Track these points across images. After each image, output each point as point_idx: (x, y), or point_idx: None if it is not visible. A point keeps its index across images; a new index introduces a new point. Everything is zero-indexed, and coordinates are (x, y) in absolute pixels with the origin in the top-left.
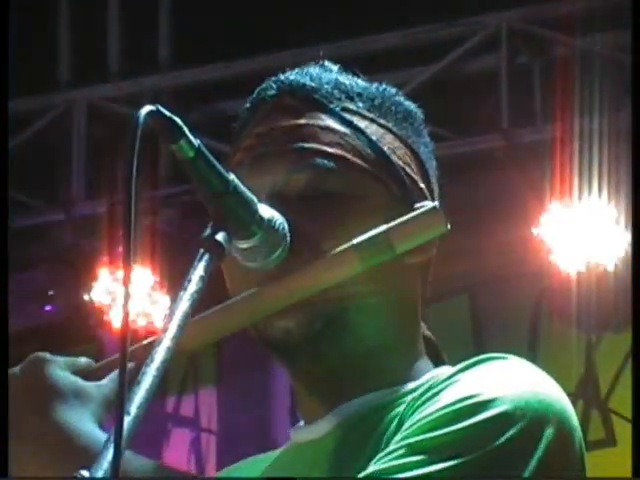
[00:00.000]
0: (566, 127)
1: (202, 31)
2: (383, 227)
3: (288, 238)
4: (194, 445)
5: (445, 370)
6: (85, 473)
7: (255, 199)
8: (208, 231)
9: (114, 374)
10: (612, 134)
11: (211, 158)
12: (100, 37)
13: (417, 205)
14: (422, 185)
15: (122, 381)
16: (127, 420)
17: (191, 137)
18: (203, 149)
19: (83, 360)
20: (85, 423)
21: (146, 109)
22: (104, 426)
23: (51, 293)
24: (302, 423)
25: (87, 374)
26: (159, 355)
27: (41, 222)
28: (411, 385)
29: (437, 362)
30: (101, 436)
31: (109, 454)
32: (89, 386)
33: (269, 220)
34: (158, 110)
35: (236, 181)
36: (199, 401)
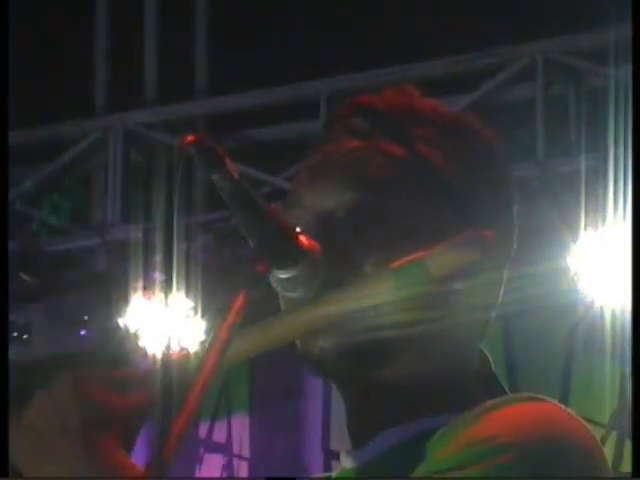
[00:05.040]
0: (600, 157)
1: (237, 59)
2: (420, 253)
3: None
4: (226, 470)
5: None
6: None
7: (296, 229)
8: (247, 261)
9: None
10: None
11: (251, 188)
12: (137, 63)
13: (470, 232)
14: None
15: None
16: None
17: (232, 167)
18: (243, 179)
19: (121, 370)
20: (108, 446)
21: (189, 138)
22: (131, 446)
23: (85, 318)
24: (351, 446)
25: (124, 384)
26: (199, 382)
27: (76, 247)
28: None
29: (495, 391)
30: (123, 459)
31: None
32: (119, 402)
33: (309, 250)
34: (201, 139)
35: (276, 211)
36: (232, 427)
